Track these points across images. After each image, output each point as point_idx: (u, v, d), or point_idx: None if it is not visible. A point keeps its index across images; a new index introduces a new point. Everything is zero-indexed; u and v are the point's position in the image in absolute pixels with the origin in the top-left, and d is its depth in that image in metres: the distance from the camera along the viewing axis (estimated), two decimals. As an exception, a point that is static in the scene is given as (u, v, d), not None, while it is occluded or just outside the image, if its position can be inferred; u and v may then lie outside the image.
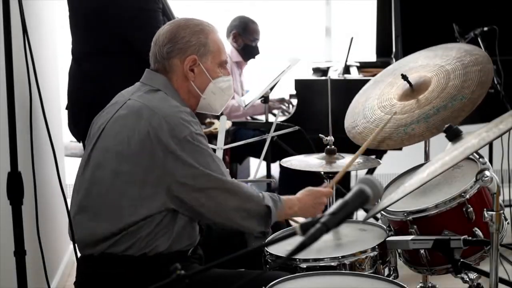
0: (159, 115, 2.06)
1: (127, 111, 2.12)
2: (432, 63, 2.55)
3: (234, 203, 2.10)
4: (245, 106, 3.80)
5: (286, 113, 4.46)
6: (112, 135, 2.11)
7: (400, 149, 3.63)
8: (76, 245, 2.15)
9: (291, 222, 2.62)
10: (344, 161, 2.61)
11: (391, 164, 4.10)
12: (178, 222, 2.10)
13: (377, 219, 2.86)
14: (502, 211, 1.98)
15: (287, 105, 4.66)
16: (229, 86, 2.27)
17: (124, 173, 2.06)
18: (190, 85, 2.19)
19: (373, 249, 2.13)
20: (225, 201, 2.09)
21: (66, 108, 3.09)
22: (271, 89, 3.87)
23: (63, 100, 3.09)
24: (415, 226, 2.17)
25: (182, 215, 2.10)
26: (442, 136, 2.08)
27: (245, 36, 4.63)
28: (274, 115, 4.52)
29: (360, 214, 4.42)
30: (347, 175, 4.64)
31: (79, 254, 2.17)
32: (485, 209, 1.89)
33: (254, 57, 4.72)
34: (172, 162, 2.03)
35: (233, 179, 2.17)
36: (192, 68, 2.18)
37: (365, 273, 2.04)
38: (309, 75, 4.84)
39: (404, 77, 2.48)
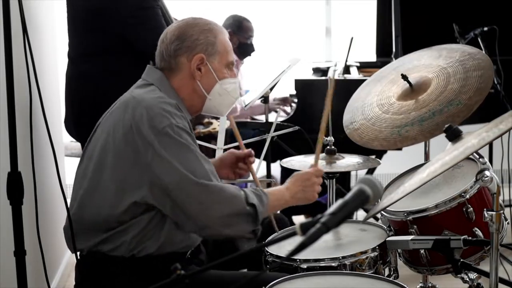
0: (142, 105, 2.03)
1: (118, 104, 2.13)
2: (435, 64, 2.54)
3: (218, 209, 1.99)
4: (245, 106, 3.79)
5: (285, 114, 4.45)
6: (103, 128, 2.12)
7: (400, 149, 3.62)
8: (75, 245, 2.14)
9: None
10: (344, 161, 2.60)
11: (391, 164, 4.10)
12: (167, 226, 2.05)
13: (377, 219, 2.86)
14: (502, 211, 1.98)
15: (288, 105, 4.65)
16: (235, 89, 2.23)
17: (108, 166, 2.04)
18: (196, 84, 2.16)
19: (373, 249, 2.13)
20: (208, 205, 1.99)
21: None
22: (271, 89, 3.86)
23: (63, 100, 3.09)
24: (415, 226, 2.17)
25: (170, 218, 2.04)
26: (442, 136, 2.08)
27: (240, 34, 4.61)
28: (285, 111, 4.51)
29: (360, 214, 4.42)
30: (347, 175, 4.65)
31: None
32: (485, 209, 1.89)
33: (250, 55, 4.70)
34: (152, 158, 1.98)
35: (217, 182, 2.04)
36: (199, 67, 2.15)
37: (366, 273, 2.04)
38: (309, 75, 4.84)
39: (404, 77, 2.47)
